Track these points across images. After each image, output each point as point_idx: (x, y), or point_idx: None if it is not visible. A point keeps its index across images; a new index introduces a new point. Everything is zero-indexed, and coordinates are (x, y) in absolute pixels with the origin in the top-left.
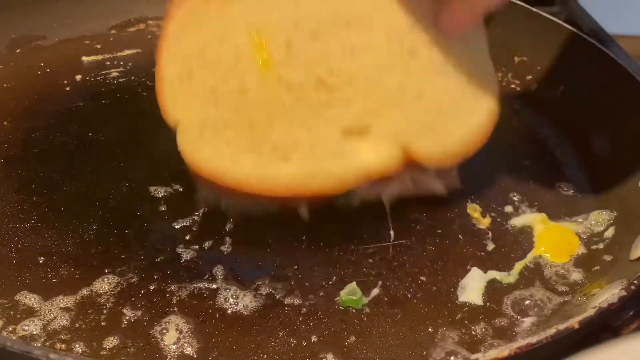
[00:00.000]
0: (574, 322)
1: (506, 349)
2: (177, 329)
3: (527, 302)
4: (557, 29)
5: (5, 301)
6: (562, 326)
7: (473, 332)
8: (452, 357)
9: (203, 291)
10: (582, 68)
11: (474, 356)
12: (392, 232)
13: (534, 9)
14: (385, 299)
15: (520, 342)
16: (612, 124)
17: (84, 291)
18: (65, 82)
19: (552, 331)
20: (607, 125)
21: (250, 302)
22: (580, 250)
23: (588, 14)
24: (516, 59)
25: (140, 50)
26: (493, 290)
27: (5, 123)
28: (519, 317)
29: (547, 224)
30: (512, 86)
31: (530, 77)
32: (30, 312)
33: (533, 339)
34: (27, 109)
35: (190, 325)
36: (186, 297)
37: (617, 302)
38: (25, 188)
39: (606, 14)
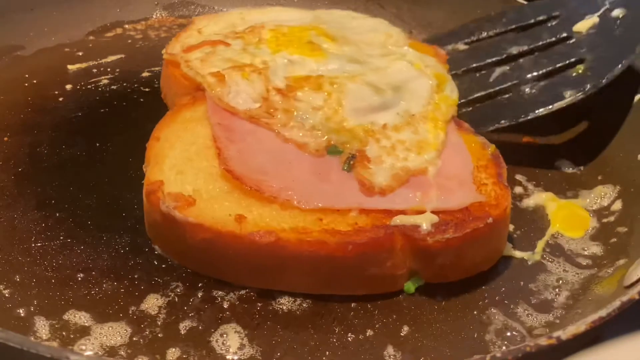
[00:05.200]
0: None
1: (582, 325)
2: (235, 334)
3: (557, 277)
4: None
5: (54, 321)
6: (624, 298)
7: (516, 311)
8: (504, 335)
9: (251, 295)
10: None
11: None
12: None
13: None
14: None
15: (594, 316)
16: (607, 99)
17: (132, 304)
18: (56, 92)
19: (617, 304)
20: (603, 99)
21: (301, 301)
22: (593, 224)
23: None
24: None
25: (123, 56)
26: (523, 270)
27: (5, 139)
28: (554, 292)
29: (558, 202)
30: None
31: None
32: (84, 331)
33: (603, 313)
34: (24, 123)
35: (246, 329)
36: (237, 302)
37: None
38: (44, 204)
39: None
